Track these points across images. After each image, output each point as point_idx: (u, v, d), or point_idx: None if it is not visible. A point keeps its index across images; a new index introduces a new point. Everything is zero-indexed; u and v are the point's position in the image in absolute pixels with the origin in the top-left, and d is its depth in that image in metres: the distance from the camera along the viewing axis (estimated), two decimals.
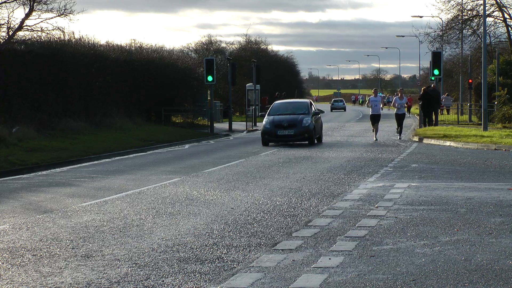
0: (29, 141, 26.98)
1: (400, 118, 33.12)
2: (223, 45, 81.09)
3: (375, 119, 32.17)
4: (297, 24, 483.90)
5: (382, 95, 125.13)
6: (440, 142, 29.79)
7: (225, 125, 47.01)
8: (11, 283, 7.78)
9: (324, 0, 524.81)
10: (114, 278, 7.92)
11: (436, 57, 41.24)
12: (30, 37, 40.02)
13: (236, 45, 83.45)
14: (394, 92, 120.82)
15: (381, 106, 32.44)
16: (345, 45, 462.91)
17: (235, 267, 8.29)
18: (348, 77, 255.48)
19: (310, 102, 31.93)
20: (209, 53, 71.00)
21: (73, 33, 41.77)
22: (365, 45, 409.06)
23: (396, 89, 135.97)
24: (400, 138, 32.50)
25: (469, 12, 52.53)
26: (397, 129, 33.25)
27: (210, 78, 41.64)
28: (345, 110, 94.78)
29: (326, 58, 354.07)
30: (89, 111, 37.15)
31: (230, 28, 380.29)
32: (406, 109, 65.67)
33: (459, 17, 52.77)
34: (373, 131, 32.46)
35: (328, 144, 30.10)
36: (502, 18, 52.03)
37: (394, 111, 34.49)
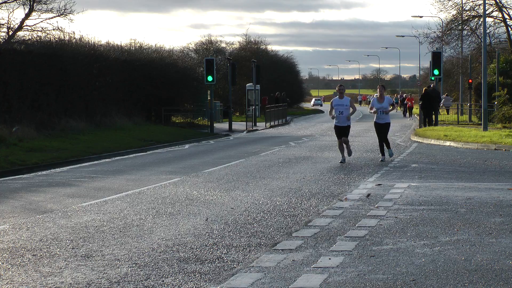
0: (29, 141, 26.97)
1: (381, 130, 21.84)
2: (223, 45, 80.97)
3: (341, 132, 21.38)
4: (291, 24, 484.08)
5: None
6: (440, 142, 29.79)
7: (225, 125, 47.00)
8: (11, 283, 7.78)
9: (317, 0, 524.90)
10: (114, 278, 7.92)
11: (436, 57, 41.28)
12: (30, 37, 39.99)
13: (236, 45, 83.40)
14: (394, 92, 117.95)
15: (351, 111, 21.51)
16: (341, 45, 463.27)
17: (235, 267, 8.29)
18: (347, 77, 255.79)
19: None
20: (209, 53, 70.94)
21: (73, 33, 41.75)
22: (361, 45, 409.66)
23: (396, 89, 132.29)
24: (382, 160, 21.60)
25: (468, 13, 52.51)
26: (379, 145, 22.12)
27: (210, 78, 41.65)
28: (322, 105, 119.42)
29: (323, 58, 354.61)
30: (89, 111, 37.14)
31: (224, 28, 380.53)
32: (408, 111, 64.52)
33: (459, 18, 52.74)
34: (342, 151, 21.51)
35: (328, 144, 30.09)
36: (501, 18, 52.02)
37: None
